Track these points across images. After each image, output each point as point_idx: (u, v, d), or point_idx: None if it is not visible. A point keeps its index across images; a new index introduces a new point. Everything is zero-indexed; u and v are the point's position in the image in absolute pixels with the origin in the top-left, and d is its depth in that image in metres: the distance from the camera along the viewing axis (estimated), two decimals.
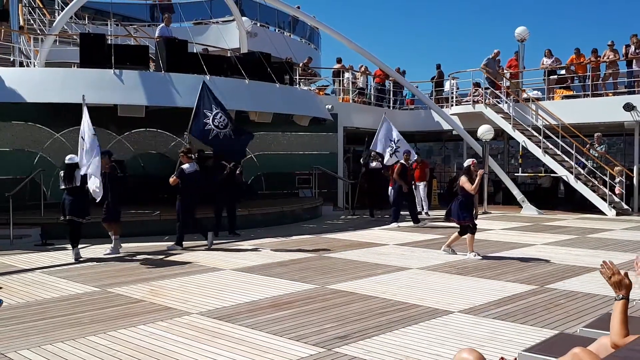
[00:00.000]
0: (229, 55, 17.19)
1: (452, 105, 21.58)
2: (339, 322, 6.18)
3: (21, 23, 17.48)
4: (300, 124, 16.77)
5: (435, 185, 21.87)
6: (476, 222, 10.55)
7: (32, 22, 19.25)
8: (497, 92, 20.35)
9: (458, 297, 7.34)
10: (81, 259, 10.09)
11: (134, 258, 10.45)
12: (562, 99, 20.23)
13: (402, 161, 15.50)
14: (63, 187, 10.32)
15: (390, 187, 17.57)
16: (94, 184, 9.82)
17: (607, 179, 17.69)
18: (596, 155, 18.49)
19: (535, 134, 19.05)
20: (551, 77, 20.45)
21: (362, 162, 18.36)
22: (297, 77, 19.89)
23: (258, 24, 23.77)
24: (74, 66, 14.81)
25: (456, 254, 10.51)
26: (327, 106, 18.65)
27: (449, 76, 22.57)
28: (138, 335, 5.78)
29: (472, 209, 10.43)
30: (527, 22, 79.84)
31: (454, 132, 20.52)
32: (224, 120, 11.48)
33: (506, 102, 20.15)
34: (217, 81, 14.35)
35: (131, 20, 23.46)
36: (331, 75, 22.79)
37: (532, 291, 7.68)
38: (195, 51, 16.23)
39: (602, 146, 18.70)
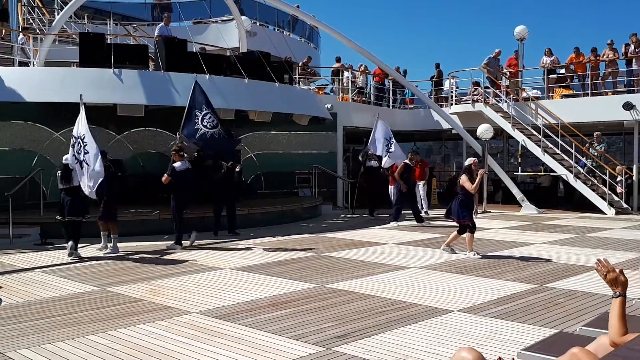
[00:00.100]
0: (228, 54, 17.20)
1: (451, 104, 21.58)
2: (338, 321, 6.18)
3: (21, 22, 17.48)
4: (299, 123, 16.78)
5: (435, 184, 21.88)
6: (475, 221, 10.56)
7: (31, 21, 19.24)
8: (497, 91, 20.35)
9: (457, 296, 7.35)
10: (77, 257, 10.11)
11: (134, 257, 10.45)
12: (562, 98, 20.24)
13: (407, 160, 15.50)
14: (61, 187, 10.34)
15: (390, 187, 17.60)
16: (86, 183, 9.84)
17: (606, 178, 17.70)
18: (596, 154, 18.50)
19: (535, 133, 19.05)
20: (550, 76, 20.46)
21: (360, 159, 18.37)
22: (297, 76, 19.90)
23: (257, 23, 23.78)
24: (74, 65, 14.82)
25: (455, 253, 10.51)
26: (326, 105, 18.65)
27: (448, 75, 22.59)
28: (137, 334, 5.78)
29: (472, 208, 10.43)
30: (527, 22, 79.95)
31: (454, 131, 20.52)
32: (212, 120, 11.44)
33: (506, 101, 20.16)
34: (216, 80, 14.38)
35: (130, 19, 23.46)
36: (330, 75, 22.79)
37: (532, 290, 7.69)
38: (194, 50, 16.24)
39: (601, 145, 18.72)
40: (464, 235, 10.41)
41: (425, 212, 17.22)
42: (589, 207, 18.08)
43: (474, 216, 10.59)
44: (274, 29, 25.34)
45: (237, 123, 15.80)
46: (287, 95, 16.34)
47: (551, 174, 19.98)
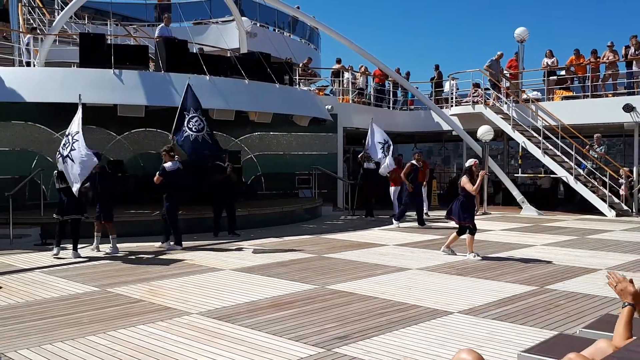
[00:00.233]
0: (228, 55, 17.20)
1: (451, 105, 21.59)
2: (338, 323, 6.18)
3: (21, 23, 17.49)
4: (300, 124, 16.78)
5: (435, 185, 21.88)
6: (476, 222, 10.55)
7: (31, 21, 19.24)
8: (499, 94, 20.35)
9: (457, 297, 7.35)
10: (79, 257, 10.16)
11: (134, 258, 10.45)
12: (562, 99, 20.25)
13: (413, 161, 15.49)
14: (58, 186, 10.37)
15: (391, 187, 17.59)
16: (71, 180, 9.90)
17: (607, 180, 17.70)
18: (596, 156, 18.50)
19: (535, 134, 19.06)
20: (551, 77, 20.47)
21: (358, 160, 18.39)
22: (297, 77, 19.91)
23: (258, 24, 23.78)
24: (74, 66, 14.82)
25: (456, 254, 10.51)
26: (326, 106, 18.66)
27: (448, 77, 22.59)
28: (137, 335, 5.78)
29: (473, 209, 10.42)
30: (526, 23, 79.97)
31: (454, 133, 20.53)
32: (199, 124, 11.39)
33: (506, 103, 20.16)
34: (216, 81, 14.38)
35: (131, 20, 23.46)
36: (330, 76, 22.80)
37: (532, 292, 7.68)
38: (195, 51, 16.24)
39: (601, 147, 18.72)
40: (464, 236, 10.42)
41: (426, 214, 17.21)
42: (589, 209, 18.08)
43: (475, 217, 10.56)
44: (275, 30, 25.35)
45: (237, 124, 15.82)
46: (287, 96, 16.34)
47: (551, 175, 19.98)
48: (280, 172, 18.51)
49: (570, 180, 18.28)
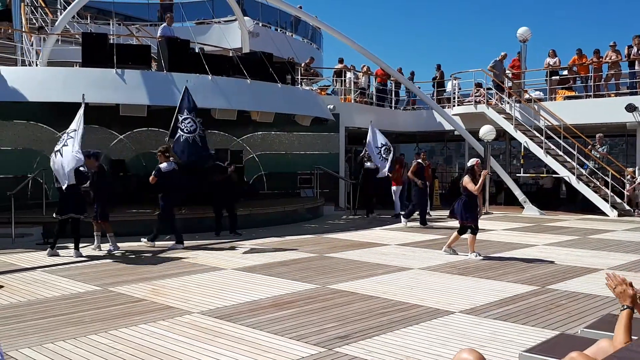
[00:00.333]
0: (231, 55, 17.20)
1: (454, 105, 21.58)
2: (339, 322, 6.18)
3: (24, 22, 17.51)
4: (302, 124, 16.78)
5: (437, 185, 21.86)
6: (477, 222, 10.53)
7: (34, 21, 19.27)
8: (503, 95, 20.32)
9: (459, 297, 7.34)
10: (80, 256, 10.21)
11: (135, 257, 10.47)
12: (564, 99, 20.23)
13: (420, 160, 15.48)
14: (57, 185, 10.42)
15: (393, 187, 17.61)
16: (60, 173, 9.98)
17: (609, 179, 17.68)
18: (598, 156, 18.48)
19: (537, 134, 19.04)
20: (553, 77, 20.44)
21: (358, 160, 18.42)
22: (299, 77, 19.92)
23: (260, 24, 23.79)
24: (76, 65, 14.83)
25: (457, 254, 10.50)
26: (328, 106, 18.65)
27: (451, 76, 22.58)
28: (139, 334, 5.78)
29: (476, 209, 10.41)
30: (528, 23, 79.82)
31: (456, 133, 20.51)
32: (191, 125, 11.39)
33: (508, 103, 20.14)
34: (219, 81, 14.38)
35: (133, 19, 23.48)
36: (333, 75, 22.80)
37: (534, 292, 7.68)
38: (196, 50, 16.25)
39: (604, 147, 18.69)
40: (466, 236, 10.41)
41: (428, 213, 17.20)
42: (591, 209, 18.05)
43: (479, 217, 10.54)
44: (277, 30, 25.36)
45: (239, 124, 15.82)
46: (289, 96, 16.34)
47: (553, 175, 19.96)
48: (282, 172, 18.51)
49: (573, 180, 18.26)
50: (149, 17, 24.70)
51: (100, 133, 15.51)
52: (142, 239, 11.66)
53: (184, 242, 11.45)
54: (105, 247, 10.94)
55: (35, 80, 13.32)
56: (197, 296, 7.37)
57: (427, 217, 16.06)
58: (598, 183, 18.23)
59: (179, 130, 11.27)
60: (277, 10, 24.25)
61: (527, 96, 20.67)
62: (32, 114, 14.31)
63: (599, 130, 19.19)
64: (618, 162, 19.02)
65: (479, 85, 21.21)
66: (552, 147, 19.03)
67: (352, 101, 21.15)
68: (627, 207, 17.83)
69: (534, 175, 22.49)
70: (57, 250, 10.46)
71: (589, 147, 18.83)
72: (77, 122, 10.33)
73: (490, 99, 20.49)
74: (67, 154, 9.96)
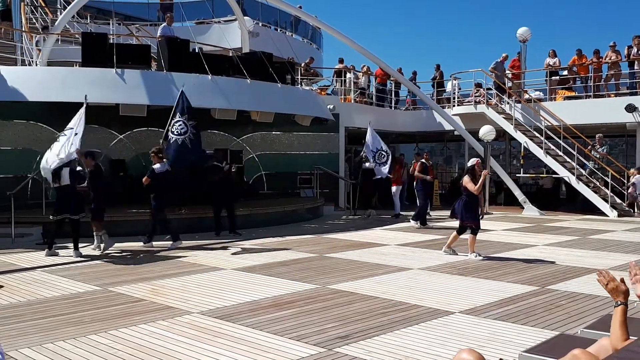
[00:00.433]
0: (230, 55, 17.21)
1: (453, 105, 21.58)
2: (339, 322, 6.18)
3: (24, 22, 17.51)
4: (301, 124, 16.78)
5: (437, 185, 21.86)
6: (480, 222, 10.51)
7: (34, 20, 19.27)
8: (504, 97, 20.31)
9: (459, 297, 7.34)
10: (79, 256, 10.23)
11: (135, 257, 10.46)
12: (564, 99, 20.23)
13: (423, 160, 15.46)
14: (53, 185, 10.45)
15: (393, 187, 17.61)
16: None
17: (609, 180, 17.68)
18: (598, 156, 18.48)
19: (537, 134, 19.04)
20: (553, 77, 20.44)
21: (356, 160, 18.43)
22: (299, 77, 19.92)
23: (260, 24, 23.79)
24: (76, 65, 14.83)
25: (457, 254, 10.50)
26: (328, 106, 18.65)
27: (450, 76, 22.59)
28: (139, 334, 5.78)
29: (476, 209, 10.41)
30: (528, 23, 79.79)
31: (456, 133, 20.52)
32: (181, 127, 11.38)
33: (508, 103, 20.15)
34: (218, 81, 14.38)
35: (133, 19, 23.48)
36: (332, 75, 22.80)
37: (533, 292, 7.68)
38: (197, 51, 16.26)
39: (603, 147, 18.69)
40: (465, 236, 10.41)
41: (427, 214, 17.20)
42: (591, 209, 18.05)
43: (480, 217, 10.53)
44: (277, 30, 25.36)
45: (239, 123, 15.82)
46: (289, 96, 16.34)
47: (553, 175, 19.96)
48: (282, 172, 18.51)
49: (572, 181, 18.26)
50: (149, 17, 24.69)
51: (100, 133, 15.51)
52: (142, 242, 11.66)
53: (182, 240, 11.47)
54: (112, 248, 10.96)
55: (35, 80, 13.32)
56: (197, 296, 7.37)
57: (427, 217, 16.06)
58: (598, 183, 18.23)
59: (170, 133, 11.31)
60: (277, 10, 24.25)
61: (527, 96, 20.67)
62: (31, 114, 14.30)
63: (599, 130, 19.19)
64: (618, 162, 19.01)
65: (478, 85, 21.21)
66: (552, 147, 19.03)
67: (352, 101, 21.15)
68: (627, 208, 17.84)
69: (533, 175, 22.49)
70: (56, 250, 10.46)
71: (589, 147, 18.83)
72: (76, 122, 10.33)
73: (490, 99, 20.49)
74: (55, 151, 10.03)
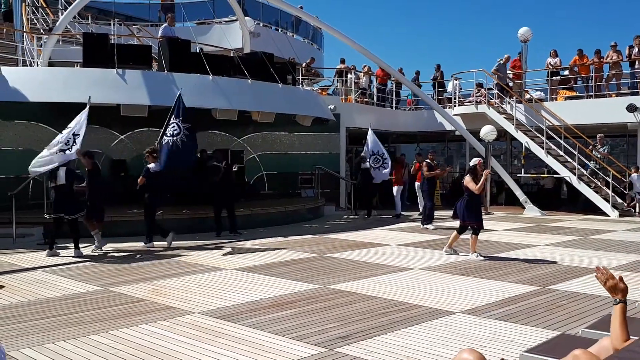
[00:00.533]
0: (231, 55, 17.21)
1: (454, 105, 21.57)
2: (340, 322, 6.18)
3: (25, 23, 17.53)
4: (302, 124, 16.77)
5: (438, 185, 21.84)
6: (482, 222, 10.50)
7: (35, 21, 19.28)
8: (507, 98, 20.30)
9: (460, 297, 7.34)
10: (79, 256, 10.27)
11: (136, 257, 10.47)
12: (565, 99, 20.21)
13: (428, 160, 15.42)
14: (50, 185, 10.47)
15: (394, 187, 17.60)
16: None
17: (610, 180, 17.67)
18: (599, 156, 18.46)
19: (538, 134, 19.03)
20: (554, 77, 20.43)
21: (356, 160, 18.44)
22: (300, 77, 19.91)
23: (261, 24, 23.79)
24: (77, 66, 14.84)
25: (458, 254, 10.50)
26: (329, 106, 18.65)
27: (452, 76, 22.58)
28: (140, 334, 5.78)
29: (478, 209, 10.39)
30: (529, 23, 79.77)
31: (457, 133, 20.51)
32: (174, 129, 11.38)
33: (509, 103, 20.14)
34: (219, 81, 14.39)
35: (134, 20, 23.50)
36: (334, 75, 22.79)
37: (534, 292, 7.67)
38: (197, 51, 16.25)
39: (604, 147, 18.67)
40: (467, 236, 10.40)
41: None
42: (592, 209, 18.04)
43: (482, 216, 10.51)
44: (278, 30, 25.36)
45: (240, 124, 15.82)
46: (290, 96, 16.34)
47: (554, 175, 19.94)
48: (283, 172, 18.51)
49: (574, 181, 18.25)
50: (150, 17, 24.70)
51: (101, 133, 15.51)
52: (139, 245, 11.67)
53: (185, 242, 11.48)
54: (105, 247, 10.96)
55: (36, 81, 13.33)
56: (198, 296, 7.37)
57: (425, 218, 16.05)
58: (599, 183, 18.21)
59: (164, 136, 11.35)
60: (278, 11, 24.25)
61: (528, 96, 20.66)
62: (32, 114, 14.31)
63: (600, 130, 19.18)
64: (619, 162, 19.00)
65: (480, 85, 21.20)
66: (553, 147, 19.02)
67: (353, 101, 21.15)
68: (626, 208, 17.82)
69: (534, 175, 22.48)
70: (57, 251, 10.46)
71: (590, 147, 18.82)
72: (76, 122, 10.35)
73: (491, 99, 20.48)
74: (52, 150, 10.11)
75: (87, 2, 16.01)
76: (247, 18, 21.07)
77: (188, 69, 14.04)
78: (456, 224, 10.87)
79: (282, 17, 25.42)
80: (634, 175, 17.68)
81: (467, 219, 10.24)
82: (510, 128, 19.55)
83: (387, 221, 16.11)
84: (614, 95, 19.23)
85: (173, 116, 11.43)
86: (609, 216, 17.30)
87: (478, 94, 20.97)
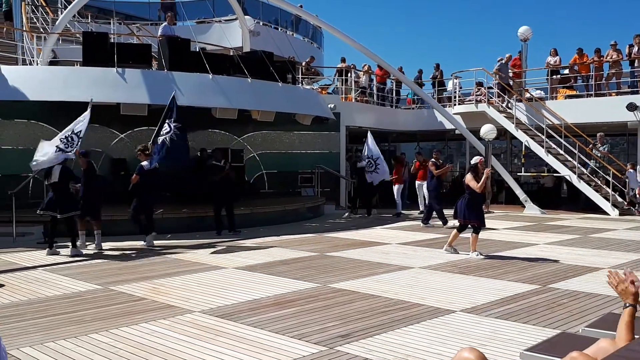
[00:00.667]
0: (231, 54, 17.21)
1: (455, 104, 21.57)
2: (341, 321, 6.18)
3: (24, 22, 17.52)
4: (302, 122, 16.78)
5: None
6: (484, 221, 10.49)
7: (35, 20, 19.28)
8: (505, 96, 20.28)
9: (460, 296, 7.34)
10: (79, 255, 10.24)
11: (136, 256, 10.47)
12: (565, 98, 20.21)
13: (433, 159, 15.41)
14: (47, 183, 10.49)
15: (394, 186, 17.60)
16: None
17: (610, 178, 17.67)
18: (599, 155, 18.46)
19: (538, 133, 19.02)
20: (554, 76, 20.43)
21: (354, 160, 18.45)
22: (300, 76, 19.91)
23: (261, 23, 23.78)
24: (77, 64, 14.84)
25: (458, 253, 10.50)
26: (329, 105, 18.65)
27: (452, 75, 22.57)
28: (140, 333, 5.79)
29: (480, 208, 10.38)
30: (529, 22, 79.79)
31: (457, 132, 20.51)
32: (165, 129, 11.39)
33: (509, 102, 20.13)
34: (219, 80, 14.39)
35: (134, 19, 23.50)
36: (334, 74, 22.79)
37: (535, 291, 7.67)
38: (197, 50, 16.26)
39: (604, 146, 18.67)
40: (467, 234, 10.39)
41: (429, 213, 17.18)
42: (592, 208, 18.04)
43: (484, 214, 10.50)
44: (277, 29, 25.35)
45: (240, 122, 15.82)
46: (290, 95, 16.34)
47: (554, 174, 19.95)
48: (283, 171, 18.51)
49: (574, 179, 18.25)
50: (150, 16, 24.68)
51: (101, 132, 15.52)
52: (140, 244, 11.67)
53: (184, 241, 11.49)
54: (106, 246, 10.96)
55: (36, 80, 13.33)
56: (198, 295, 7.37)
57: (429, 216, 16.03)
58: (599, 182, 18.21)
59: (158, 136, 11.40)
60: (277, 9, 24.25)
61: (528, 95, 20.65)
62: (32, 113, 14.32)
63: (600, 129, 19.18)
64: (619, 161, 19.00)
65: (480, 84, 21.19)
66: (553, 146, 19.01)
67: (353, 100, 21.15)
68: (627, 207, 17.83)
69: (535, 174, 22.47)
70: (57, 249, 10.45)
71: (590, 146, 18.82)
72: (76, 123, 10.36)
73: (491, 97, 20.47)
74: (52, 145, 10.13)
75: (86, 1, 16.01)
76: (246, 17, 21.07)
77: (188, 68, 14.05)
78: (450, 222, 10.86)
79: (282, 16, 25.41)
80: (631, 171, 17.72)
81: (468, 218, 10.23)
82: (510, 127, 19.55)
83: (387, 220, 16.11)
84: (614, 94, 19.23)
85: (167, 118, 11.46)
86: (609, 215, 17.30)
87: (478, 93, 20.96)
